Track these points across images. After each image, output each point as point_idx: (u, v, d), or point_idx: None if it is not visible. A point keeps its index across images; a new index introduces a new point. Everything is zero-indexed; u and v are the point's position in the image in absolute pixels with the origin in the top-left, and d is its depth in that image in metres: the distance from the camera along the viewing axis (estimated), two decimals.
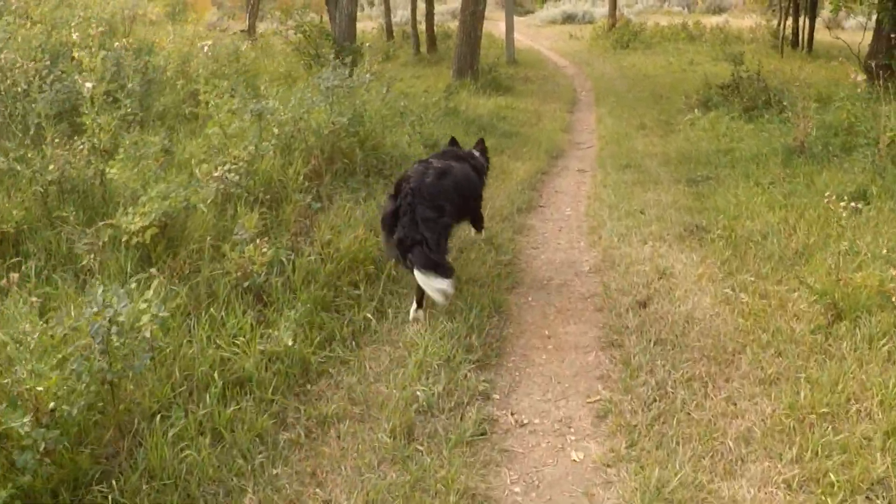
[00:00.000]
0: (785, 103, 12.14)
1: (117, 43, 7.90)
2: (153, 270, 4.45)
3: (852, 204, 5.85)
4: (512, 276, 5.73)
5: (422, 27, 24.13)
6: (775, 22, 26.72)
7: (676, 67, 19.54)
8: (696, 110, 12.86)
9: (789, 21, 25.97)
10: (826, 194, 5.70)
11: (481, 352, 4.50)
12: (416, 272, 4.51)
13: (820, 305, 4.94)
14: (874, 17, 14.57)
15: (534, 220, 7.41)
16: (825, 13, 24.73)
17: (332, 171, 6.73)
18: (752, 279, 5.51)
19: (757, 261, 5.82)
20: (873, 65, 14.41)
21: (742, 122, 11.67)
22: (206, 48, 8.75)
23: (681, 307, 5.03)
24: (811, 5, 21.91)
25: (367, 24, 35.65)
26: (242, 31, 27.11)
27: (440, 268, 4.49)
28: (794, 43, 21.85)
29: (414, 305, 4.83)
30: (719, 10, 45.49)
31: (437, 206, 4.72)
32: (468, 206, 5.45)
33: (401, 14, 38.31)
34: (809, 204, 6.99)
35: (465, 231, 6.30)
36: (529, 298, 5.44)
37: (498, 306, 5.13)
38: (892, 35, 14.18)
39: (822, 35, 23.55)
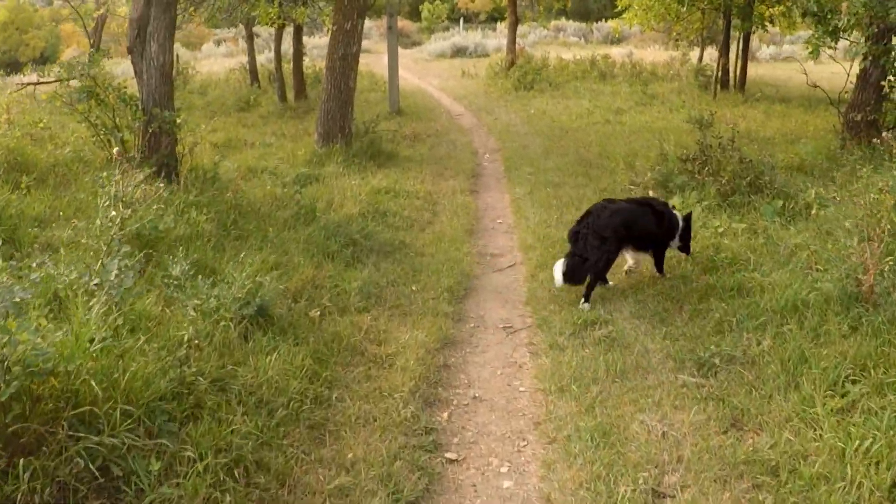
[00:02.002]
0: (777, 186, 8.78)
1: None
2: None
3: None
4: None
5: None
6: (693, 56, 23.98)
7: (599, 117, 16.05)
8: (650, 193, 9.27)
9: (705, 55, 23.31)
10: None
11: None
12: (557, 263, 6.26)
13: None
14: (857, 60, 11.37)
15: None
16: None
17: None
18: None
19: None
20: (859, 119, 11.30)
21: (724, 215, 8.16)
22: None
23: None
24: (745, 39, 18.98)
25: (238, 59, 31.37)
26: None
27: (571, 274, 6.17)
28: (724, 82, 18.86)
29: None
30: (617, 41, 43.35)
31: (602, 237, 6.15)
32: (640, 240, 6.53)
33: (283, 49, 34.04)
34: None
35: None
36: None
37: None
38: (882, 83, 11.14)
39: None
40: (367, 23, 49.49)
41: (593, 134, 14.04)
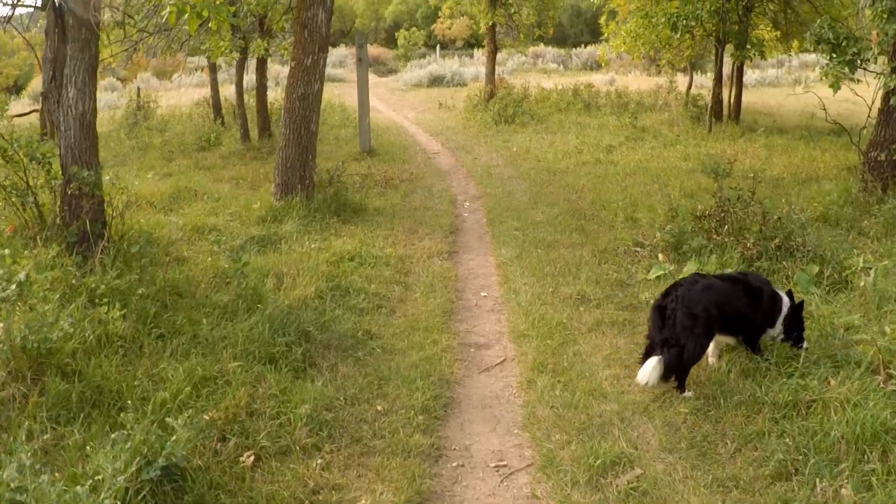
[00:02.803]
0: (810, 248, 7.48)
1: None
2: None
3: None
4: None
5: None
6: (680, 83, 22.87)
7: (588, 155, 14.74)
8: (661, 257, 7.94)
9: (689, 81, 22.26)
10: None
11: None
12: (653, 359, 5.00)
13: None
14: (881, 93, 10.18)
15: None
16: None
17: None
18: None
19: None
20: (883, 158, 10.07)
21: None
22: None
23: None
24: (738, 67, 17.85)
25: (200, 92, 30.02)
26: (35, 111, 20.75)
27: (669, 372, 5.03)
28: (718, 113, 17.65)
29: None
30: (597, 66, 42.44)
31: (694, 315, 5.04)
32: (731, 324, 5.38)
33: (247, 80, 32.53)
34: None
35: None
36: None
37: None
38: None
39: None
40: (343, 50, 48.31)
41: (584, 177, 12.72)
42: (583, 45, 50.17)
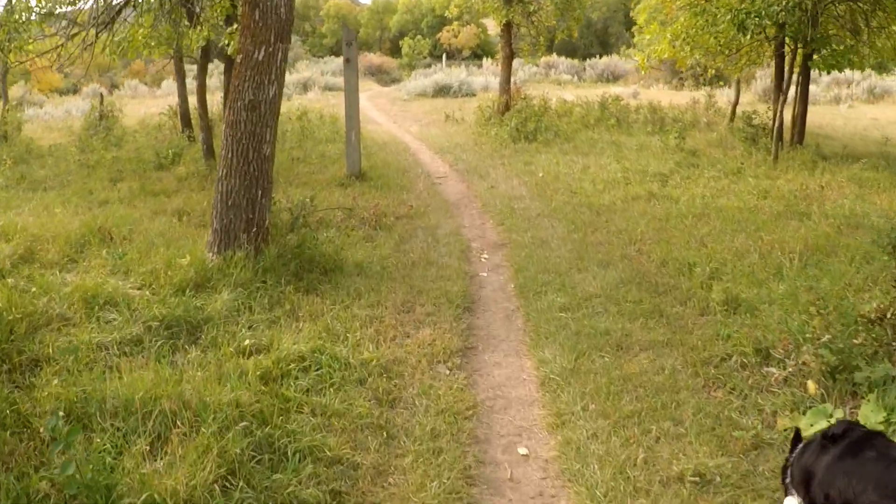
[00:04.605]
0: None
1: None
2: None
3: None
4: None
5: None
6: (719, 99, 19.75)
7: (638, 187, 11.46)
8: (811, 387, 4.74)
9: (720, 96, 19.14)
10: None
11: None
12: None
13: None
14: None
15: None
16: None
17: None
18: None
19: None
20: None
21: None
22: None
23: None
24: (804, 78, 14.67)
25: (167, 101, 26.99)
26: None
27: None
28: (779, 135, 14.41)
29: None
30: (613, 78, 39.52)
31: None
32: None
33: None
34: None
35: None
36: None
37: None
38: None
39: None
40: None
41: (639, 218, 9.52)
42: (598, 56, 47.28)
